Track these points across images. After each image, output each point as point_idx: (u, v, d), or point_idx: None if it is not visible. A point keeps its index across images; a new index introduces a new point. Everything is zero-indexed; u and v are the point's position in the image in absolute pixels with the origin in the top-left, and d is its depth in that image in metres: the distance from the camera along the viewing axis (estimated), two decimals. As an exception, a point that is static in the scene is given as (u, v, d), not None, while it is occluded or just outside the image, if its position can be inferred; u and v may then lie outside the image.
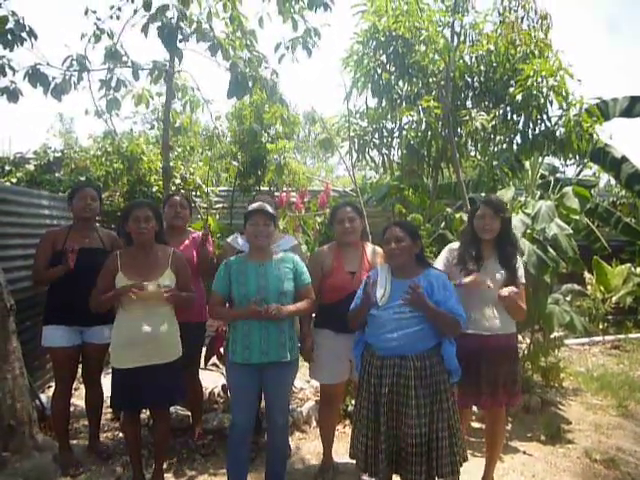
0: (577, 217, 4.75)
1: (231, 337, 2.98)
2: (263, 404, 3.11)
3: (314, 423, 4.11)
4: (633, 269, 7.92)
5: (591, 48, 52.62)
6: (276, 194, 6.20)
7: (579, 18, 49.70)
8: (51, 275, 3.38)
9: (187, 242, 3.69)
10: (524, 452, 3.81)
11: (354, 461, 2.88)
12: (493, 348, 2.98)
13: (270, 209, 3.01)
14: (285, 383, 3.03)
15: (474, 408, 3.55)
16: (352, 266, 3.20)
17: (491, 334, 2.99)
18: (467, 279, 2.95)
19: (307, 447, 3.83)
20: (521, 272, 3.12)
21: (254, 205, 3.05)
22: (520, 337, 5.15)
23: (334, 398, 3.40)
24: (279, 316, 2.78)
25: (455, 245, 3.23)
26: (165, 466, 3.31)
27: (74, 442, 3.69)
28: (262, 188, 6.93)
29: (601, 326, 7.62)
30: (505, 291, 2.91)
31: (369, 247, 3.36)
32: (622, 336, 7.46)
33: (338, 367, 3.20)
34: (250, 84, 4.35)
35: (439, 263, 3.14)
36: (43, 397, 4.04)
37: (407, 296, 2.61)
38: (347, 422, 4.04)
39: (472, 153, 6.09)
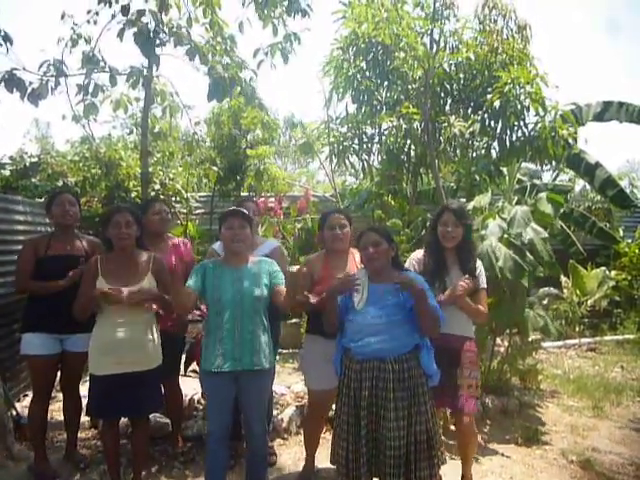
0: (551, 222, 4.83)
1: (204, 343, 2.93)
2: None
3: (295, 429, 4.10)
4: (608, 272, 8.08)
5: (591, 49, 53.65)
6: (254, 199, 6.20)
7: (578, 19, 50.75)
8: (41, 288, 3.30)
9: (167, 249, 3.66)
10: (502, 454, 3.85)
11: (335, 467, 2.88)
12: (455, 349, 3.06)
13: (245, 211, 3.00)
14: (261, 391, 2.97)
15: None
16: (341, 272, 3.17)
17: (454, 334, 3.06)
18: (445, 296, 3.00)
19: (287, 453, 3.82)
20: (482, 278, 3.18)
21: (230, 208, 3.04)
22: (499, 340, 5.21)
23: (324, 405, 3.36)
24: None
25: (419, 254, 3.27)
26: (144, 474, 3.27)
27: (51, 451, 3.62)
28: (242, 194, 6.93)
29: (577, 329, 7.75)
30: (457, 288, 2.97)
31: (356, 252, 3.35)
32: (598, 338, 7.60)
33: (328, 373, 3.16)
34: (230, 87, 4.35)
35: None
36: (19, 406, 3.97)
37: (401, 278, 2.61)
38: (328, 427, 4.03)
39: (451, 159, 6.16)
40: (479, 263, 3.24)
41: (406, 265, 3.22)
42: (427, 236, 3.43)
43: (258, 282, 2.90)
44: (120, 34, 4.05)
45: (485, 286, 3.19)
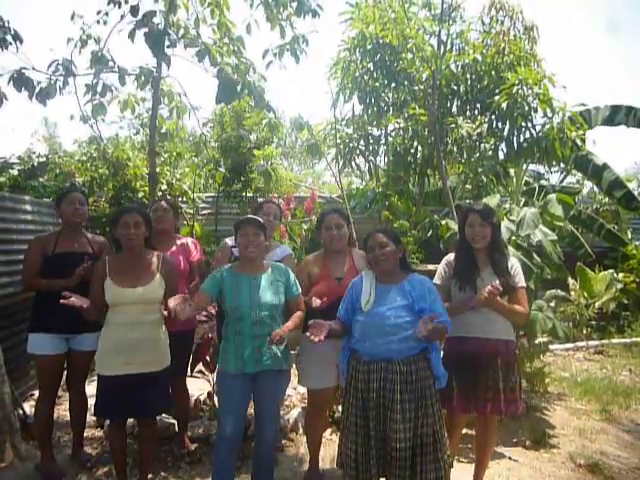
0: (561, 224, 4.80)
1: (222, 347, 2.97)
2: (250, 412, 3.10)
3: (301, 430, 4.09)
4: (615, 275, 8.02)
5: (592, 51, 53.46)
6: (259, 200, 6.20)
7: (578, 20, 50.62)
8: (47, 286, 3.31)
9: (174, 248, 3.67)
10: (509, 458, 3.83)
11: (342, 469, 2.87)
12: (491, 353, 2.97)
13: (260, 219, 3.01)
14: (277, 392, 3.02)
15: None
16: (339, 271, 3.21)
17: (489, 338, 2.98)
18: (475, 301, 2.92)
19: (293, 454, 3.81)
20: (520, 276, 3.08)
21: (245, 216, 3.07)
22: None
23: (322, 404, 3.38)
24: (281, 341, 2.79)
25: (450, 257, 3.21)
26: (150, 475, 3.27)
27: (57, 451, 3.63)
28: (248, 195, 6.93)
29: (585, 331, 7.70)
30: (484, 292, 2.88)
31: (355, 253, 3.36)
32: (605, 341, 7.54)
33: (326, 371, 3.18)
34: (239, 89, 4.34)
35: (437, 277, 3.14)
36: (26, 405, 3.99)
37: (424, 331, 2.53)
38: (334, 429, 4.02)
39: (458, 160, 6.15)
40: (515, 261, 3.15)
41: (438, 268, 3.20)
42: (456, 239, 3.40)
43: (275, 291, 2.94)
44: (131, 35, 4.05)
45: (523, 284, 3.10)
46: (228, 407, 2.95)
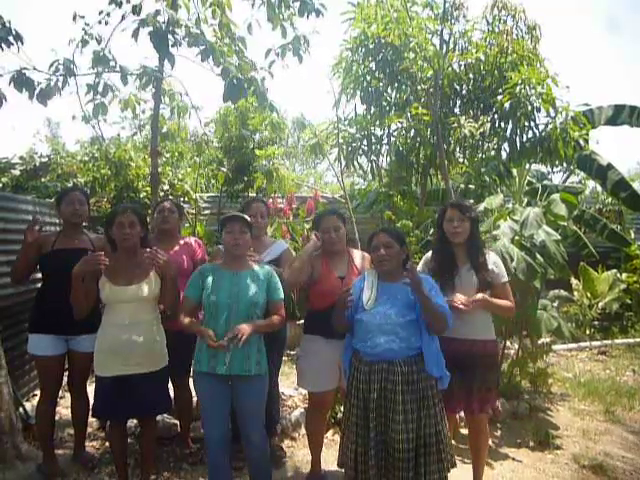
0: (564, 223, 4.77)
1: (197, 346, 2.89)
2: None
3: (303, 431, 4.07)
4: (619, 275, 7.99)
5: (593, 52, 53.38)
6: (263, 199, 6.21)
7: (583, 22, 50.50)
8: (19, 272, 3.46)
9: (177, 247, 3.67)
10: (513, 459, 3.81)
11: (343, 470, 2.86)
12: (467, 353, 2.95)
13: (247, 217, 2.98)
14: (254, 397, 2.89)
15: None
16: (341, 271, 3.19)
17: (466, 339, 2.97)
18: (457, 300, 2.92)
19: (296, 455, 3.79)
20: (501, 272, 3.07)
21: (231, 212, 3.05)
22: (508, 343, 5.16)
23: (322, 406, 3.36)
24: (245, 338, 2.69)
25: (429, 254, 3.21)
26: (152, 476, 3.26)
27: (59, 452, 3.62)
28: (250, 194, 6.93)
29: (588, 332, 7.67)
30: (457, 301, 2.89)
31: (355, 253, 3.35)
32: (608, 342, 7.50)
33: (327, 374, 3.17)
34: (246, 86, 4.31)
35: None
36: (27, 405, 3.98)
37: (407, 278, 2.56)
38: (336, 430, 4.01)
39: (460, 160, 6.13)
40: (495, 257, 3.15)
41: (418, 266, 3.18)
42: (434, 236, 3.39)
43: (256, 288, 2.86)
44: (135, 34, 4.03)
45: (505, 280, 3.08)
46: (207, 409, 2.90)
